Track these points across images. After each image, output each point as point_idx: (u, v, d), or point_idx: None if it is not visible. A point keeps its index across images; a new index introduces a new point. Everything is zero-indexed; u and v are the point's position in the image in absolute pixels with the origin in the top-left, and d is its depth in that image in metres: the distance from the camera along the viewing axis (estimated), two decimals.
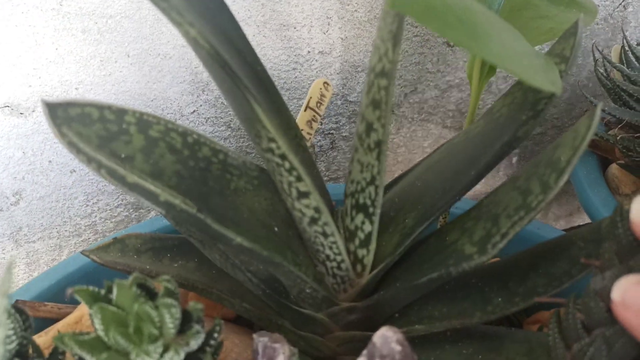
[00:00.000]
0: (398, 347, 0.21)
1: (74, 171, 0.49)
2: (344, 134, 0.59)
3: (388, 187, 0.34)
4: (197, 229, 0.25)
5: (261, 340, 0.26)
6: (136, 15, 0.45)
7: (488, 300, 0.28)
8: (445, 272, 0.25)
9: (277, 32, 0.50)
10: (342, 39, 0.53)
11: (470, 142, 0.30)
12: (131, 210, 0.54)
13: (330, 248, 0.27)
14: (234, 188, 0.27)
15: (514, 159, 0.71)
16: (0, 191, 0.48)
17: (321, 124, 0.57)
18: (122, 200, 0.53)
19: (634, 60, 0.48)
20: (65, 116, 0.22)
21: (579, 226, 0.47)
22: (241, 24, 0.49)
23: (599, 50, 0.47)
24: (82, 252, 0.34)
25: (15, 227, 0.50)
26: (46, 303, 0.34)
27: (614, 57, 0.53)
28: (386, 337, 0.21)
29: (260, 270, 0.30)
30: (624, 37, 0.49)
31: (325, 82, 0.42)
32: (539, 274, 0.27)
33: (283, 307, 0.30)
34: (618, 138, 0.41)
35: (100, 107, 0.23)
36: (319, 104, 0.41)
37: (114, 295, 0.21)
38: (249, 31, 0.49)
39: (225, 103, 0.52)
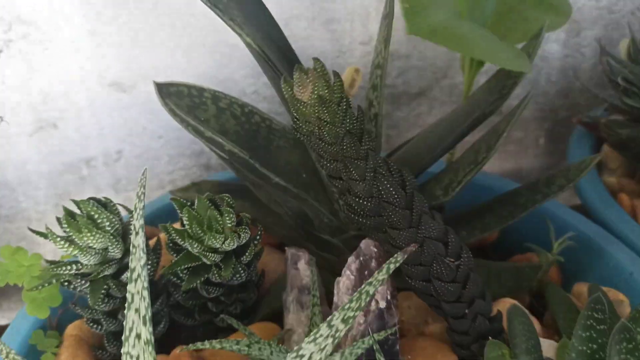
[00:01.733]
0: (375, 249, 0.32)
1: (162, 137, 0.62)
2: None
3: (396, 150, 0.44)
4: (248, 171, 0.36)
5: (290, 251, 0.38)
6: (211, 14, 0.57)
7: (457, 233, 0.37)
8: None
9: (323, 26, 0.61)
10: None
11: (454, 116, 0.39)
12: (203, 170, 0.67)
13: None
14: (275, 145, 0.38)
15: (541, 140, 0.77)
16: (106, 150, 0.62)
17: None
18: (197, 162, 0.66)
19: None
20: (167, 92, 0.34)
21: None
22: (293, 19, 0.60)
23: (599, 43, 0.53)
24: (169, 192, 0.47)
25: (117, 179, 0.64)
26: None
27: (622, 50, 0.59)
28: (368, 243, 0.32)
29: (294, 206, 0.42)
30: (631, 31, 0.55)
31: (356, 69, 0.52)
32: (493, 214, 0.37)
33: (309, 234, 0.41)
34: (602, 121, 0.48)
35: (189, 87, 0.35)
36: (350, 87, 0.51)
37: (195, 205, 0.33)
38: (300, 25, 0.60)
39: None
